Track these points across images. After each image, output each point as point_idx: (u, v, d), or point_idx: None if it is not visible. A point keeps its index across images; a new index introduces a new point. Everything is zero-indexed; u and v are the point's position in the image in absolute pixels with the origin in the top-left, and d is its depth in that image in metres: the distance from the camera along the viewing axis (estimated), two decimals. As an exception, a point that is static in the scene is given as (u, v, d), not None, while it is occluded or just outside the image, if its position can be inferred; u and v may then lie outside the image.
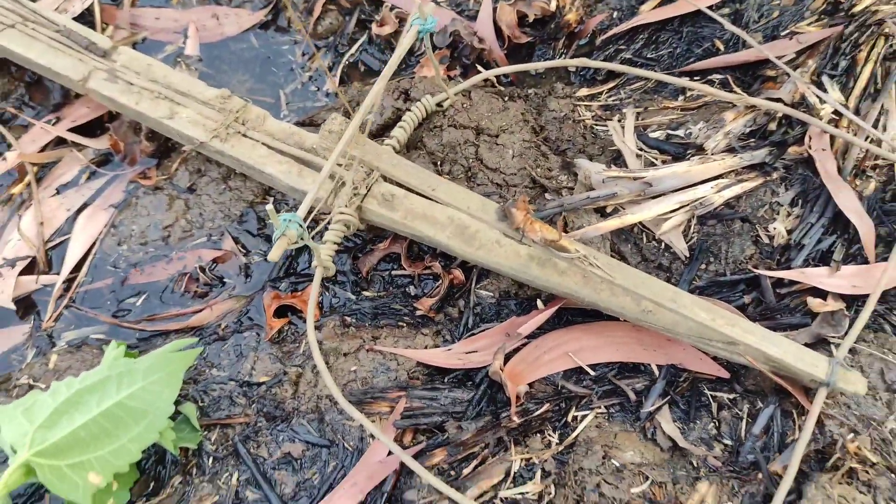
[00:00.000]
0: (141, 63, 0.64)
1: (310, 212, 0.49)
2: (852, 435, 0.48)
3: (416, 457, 0.48)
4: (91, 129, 0.68)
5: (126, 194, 0.65)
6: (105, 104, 0.65)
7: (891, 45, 0.63)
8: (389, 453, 0.52)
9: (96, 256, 0.63)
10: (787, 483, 0.47)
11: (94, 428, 0.48)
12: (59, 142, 0.69)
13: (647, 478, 0.48)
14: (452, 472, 0.48)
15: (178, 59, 0.69)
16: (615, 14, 0.68)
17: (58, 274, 0.63)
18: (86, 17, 0.74)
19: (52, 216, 0.65)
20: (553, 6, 0.68)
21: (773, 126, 0.60)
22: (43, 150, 0.66)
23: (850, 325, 0.51)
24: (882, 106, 0.60)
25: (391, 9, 0.70)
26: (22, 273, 0.62)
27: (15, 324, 0.62)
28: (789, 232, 0.56)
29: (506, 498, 0.49)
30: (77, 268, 0.62)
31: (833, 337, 0.51)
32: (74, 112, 0.68)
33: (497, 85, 0.67)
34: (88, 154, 0.68)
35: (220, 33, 0.72)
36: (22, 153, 0.62)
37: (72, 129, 0.69)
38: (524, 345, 0.55)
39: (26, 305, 0.63)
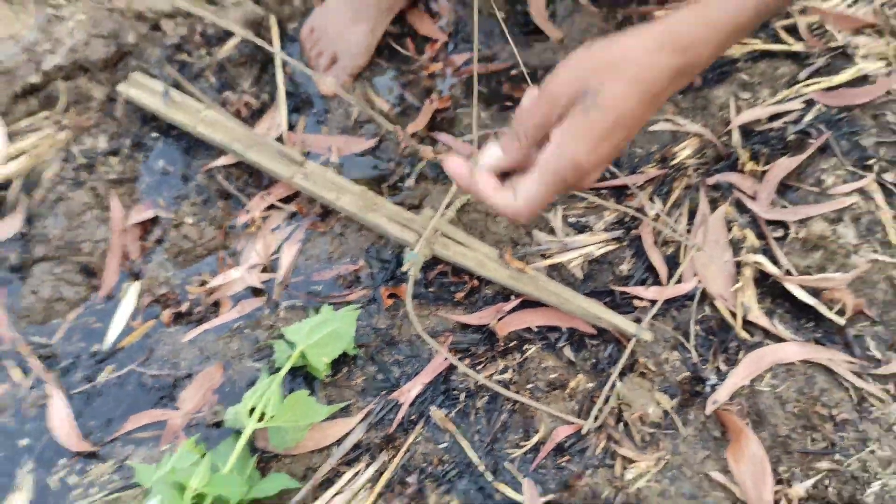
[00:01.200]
0: (318, 169, 1.20)
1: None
2: (644, 357, 1.05)
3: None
4: (286, 199, 1.14)
5: (306, 235, 1.08)
6: (300, 190, 1.11)
7: (688, 182, 1.21)
8: (445, 359, 1.00)
9: (295, 266, 1.10)
10: (614, 376, 1.03)
11: (324, 339, 1.00)
12: (270, 206, 1.12)
13: (556, 371, 1.03)
14: (472, 369, 1.05)
15: (327, 164, 1.25)
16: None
17: (275, 272, 1.10)
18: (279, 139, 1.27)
19: (270, 244, 1.08)
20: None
21: (626, 219, 1.18)
22: (263, 210, 1.21)
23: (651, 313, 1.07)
24: (680, 212, 1.18)
25: (445, 149, 1.26)
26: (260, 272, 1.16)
27: (255, 298, 1.15)
28: (628, 271, 1.14)
29: (496, 379, 1.05)
30: (287, 272, 1.15)
31: (643, 317, 1.08)
32: (276, 190, 1.12)
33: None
34: (284, 213, 1.12)
35: (349, 150, 1.22)
36: (257, 212, 1.18)
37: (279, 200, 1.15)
38: (505, 315, 1.00)
39: (261, 290, 1.09)
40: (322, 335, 0.97)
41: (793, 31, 1.29)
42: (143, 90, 1.16)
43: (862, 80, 1.21)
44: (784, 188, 1.10)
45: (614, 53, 0.56)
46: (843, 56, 1.24)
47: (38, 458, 0.97)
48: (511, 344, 1.00)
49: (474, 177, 0.61)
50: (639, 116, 0.58)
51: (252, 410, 0.91)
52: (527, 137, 0.59)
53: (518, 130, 0.59)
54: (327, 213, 1.12)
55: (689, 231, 1.07)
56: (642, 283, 1.04)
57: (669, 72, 0.58)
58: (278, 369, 0.98)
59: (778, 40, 1.28)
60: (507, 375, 0.97)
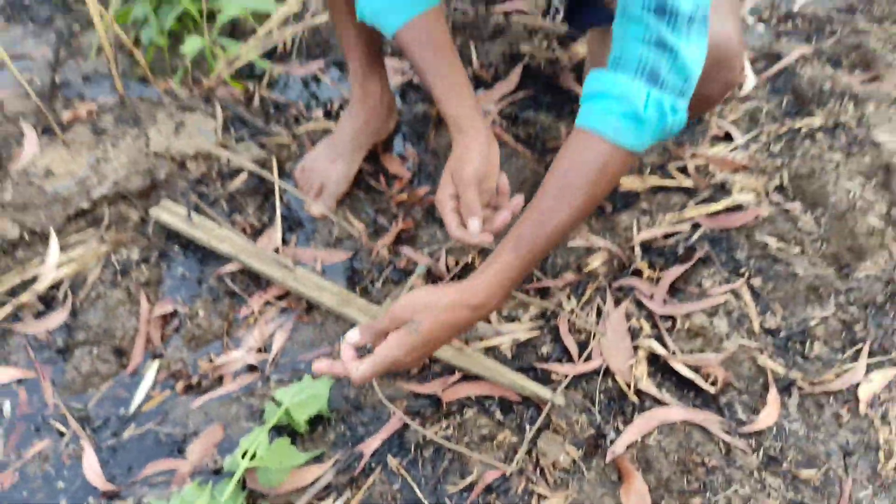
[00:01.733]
0: (306, 273, 1.50)
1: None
2: (557, 418, 1.31)
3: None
4: (279, 297, 1.33)
5: (294, 325, 1.29)
6: (290, 290, 1.40)
7: (598, 285, 1.52)
8: (400, 419, 1.34)
9: (284, 349, 1.32)
10: (534, 430, 1.29)
11: (304, 400, 1.27)
12: (266, 302, 1.35)
13: (488, 428, 1.28)
14: (421, 427, 1.30)
15: (313, 271, 1.56)
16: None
17: (268, 353, 1.45)
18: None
19: (265, 332, 1.28)
20: (470, 258, 1.57)
21: (548, 313, 1.46)
22: (261, 305, 1.50)
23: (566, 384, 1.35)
24: (590, 308, 1.47)
25: (406, 260, 1.57)
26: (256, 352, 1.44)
27: (251, 373, 1.46)
28: (548, 352, 1.42)
29: (440, 434, 1.30)
30: (277, 353, 1.45)
31: (558, 387, 1.35)
32: (272, 290, 1.32)
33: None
34: (277, 308, 1.34)
35: (331, 261, 1.51)
36: (256, 307, 1.47)
37: (273, 297, 1.36)
38: (450, 386, 1.33)
39: (256, 367, 1.33)
40: (303, 397, 1.23)
41: (684, 170, 1.63)
42: (170, 213, 1.46)
43: (737, 208, 1.53)
44: (674, 290, 1.35)
45: (433, 304, 0.95)
46: (723, 190, 1.58)
47: (72, 497, 1.21)
48: (453, 408, 1.20)
49: (343, 345, 0.99)
50: (443, 341, 0.98)
51: (244, 454, 1.17)
52: (376, 334, 0.98)
53: (373, 329, 0.98)
54: (311, 307, 1.39)
55: (597, 322, 1.32)
56: (558, 361, 1.26)
57: (467, 319, 0.98)
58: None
59: (671, 177, 1.62)
60: (449, 431, 1.17)
